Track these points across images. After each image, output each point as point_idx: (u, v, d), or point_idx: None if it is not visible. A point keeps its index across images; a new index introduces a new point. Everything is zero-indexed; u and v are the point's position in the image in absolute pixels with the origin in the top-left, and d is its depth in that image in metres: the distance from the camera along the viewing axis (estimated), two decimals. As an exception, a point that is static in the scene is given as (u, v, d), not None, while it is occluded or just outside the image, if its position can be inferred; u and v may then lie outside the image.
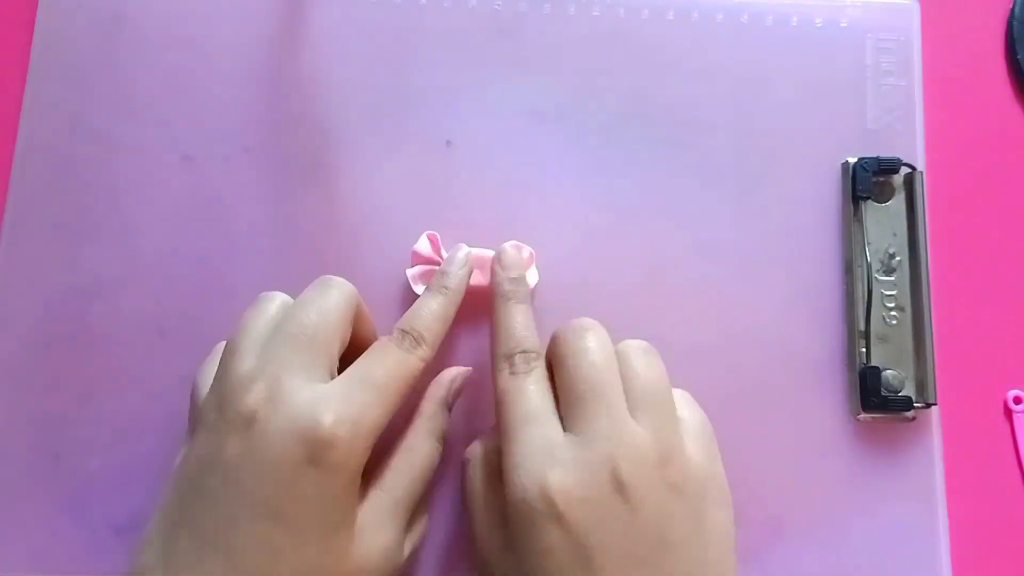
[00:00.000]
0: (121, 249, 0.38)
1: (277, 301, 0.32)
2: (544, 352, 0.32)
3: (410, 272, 0.37)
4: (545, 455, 0.28)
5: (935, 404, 0.37)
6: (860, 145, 0.39)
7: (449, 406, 0.34)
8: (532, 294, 0.36)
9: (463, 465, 0.33)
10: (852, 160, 0.39)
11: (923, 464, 0.37)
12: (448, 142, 0.39)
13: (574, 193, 0.39)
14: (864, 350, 0.37)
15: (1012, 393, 0.38)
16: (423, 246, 0.37)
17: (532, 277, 0.37)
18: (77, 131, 0.39)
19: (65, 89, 0.40)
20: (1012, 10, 0.42)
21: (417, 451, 0.32)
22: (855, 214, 0.38)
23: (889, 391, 0.37)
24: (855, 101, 0.40)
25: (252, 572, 0.27)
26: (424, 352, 0.31)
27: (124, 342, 0.37)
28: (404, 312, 0.33)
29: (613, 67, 0.40)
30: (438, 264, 0.37)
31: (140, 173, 0.39)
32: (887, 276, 0.38)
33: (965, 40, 0.42)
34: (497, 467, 0.30)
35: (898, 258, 0.38)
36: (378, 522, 0.30)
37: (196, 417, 0.30)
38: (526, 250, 0.37)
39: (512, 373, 0.31)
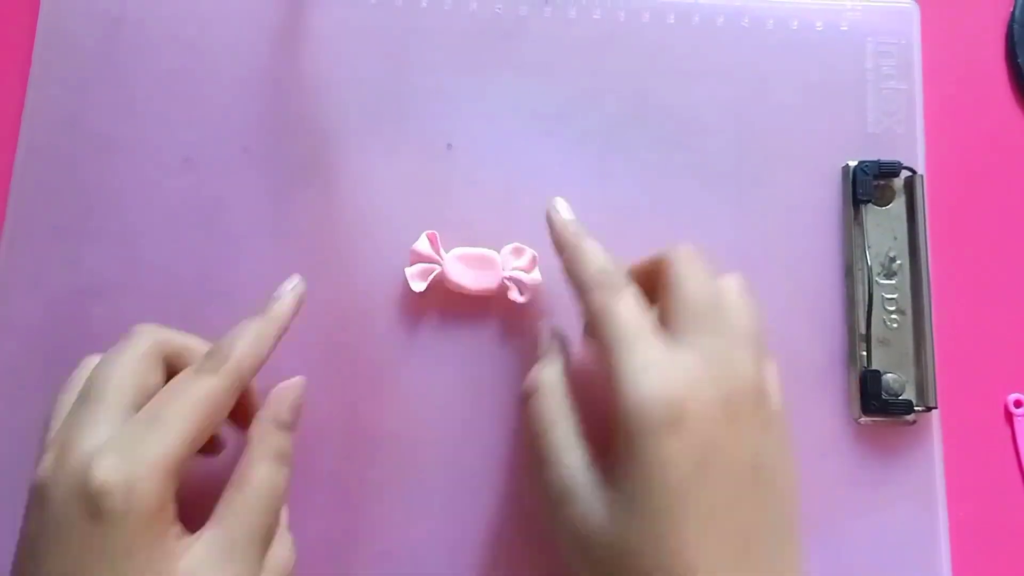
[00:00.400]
0: (122, 251, 0.38)
1: (86, 366, 0.31)
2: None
3: (409, 271, 0.37)
4: (663, 366, 0.27)
5: (936, 408, 0.37)
6: (861, 148, 0.39)
7: (287, 423, 0.31)
8: (535, 294, 0.37)
9: (526, 398, 0.31)
10: (853, 163, 0.39)
11: (923, 467, 0.37)
12: (449, 144, 0.39)
13: (574, 195, 0.37)
14: (865, 353, 0.37)
15: (1013, 397, 0.38)
16: (422, 245, 0.37)
17: (535, 278, 0.37)
18: (78, 133, 0.39)
19: (66, 91, 0.39)
20: (1012, 13, 0.42)
21: (251, 480, 0.29)
22: (855, 217, 0.38)
23: (890, 394, 0.37)
24: (855, 104, 0.40)
25: None
26: (226, 373, 0.29)
27: None
28: (402, 312, 0.33)
29: (613, 70, 0.40)
30: (438, 264, 0.37)
31: (141, 175, 0.39)
32: (888, 279, 0.38)
33: (965, 43, 0.42)
34: (586, 388, 0.30)
35: (899, 261, 0.38)
36: (213, 564, 0.27)
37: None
38: (528, 253, 0.37)
39: (611, 289, 0.30)
